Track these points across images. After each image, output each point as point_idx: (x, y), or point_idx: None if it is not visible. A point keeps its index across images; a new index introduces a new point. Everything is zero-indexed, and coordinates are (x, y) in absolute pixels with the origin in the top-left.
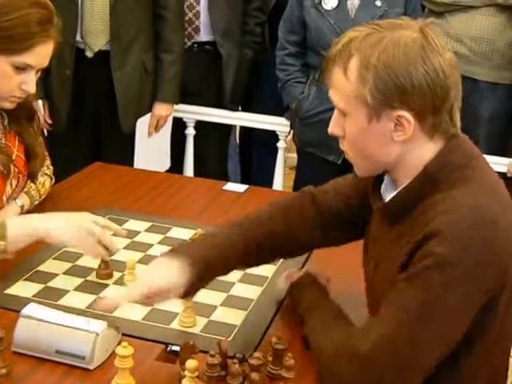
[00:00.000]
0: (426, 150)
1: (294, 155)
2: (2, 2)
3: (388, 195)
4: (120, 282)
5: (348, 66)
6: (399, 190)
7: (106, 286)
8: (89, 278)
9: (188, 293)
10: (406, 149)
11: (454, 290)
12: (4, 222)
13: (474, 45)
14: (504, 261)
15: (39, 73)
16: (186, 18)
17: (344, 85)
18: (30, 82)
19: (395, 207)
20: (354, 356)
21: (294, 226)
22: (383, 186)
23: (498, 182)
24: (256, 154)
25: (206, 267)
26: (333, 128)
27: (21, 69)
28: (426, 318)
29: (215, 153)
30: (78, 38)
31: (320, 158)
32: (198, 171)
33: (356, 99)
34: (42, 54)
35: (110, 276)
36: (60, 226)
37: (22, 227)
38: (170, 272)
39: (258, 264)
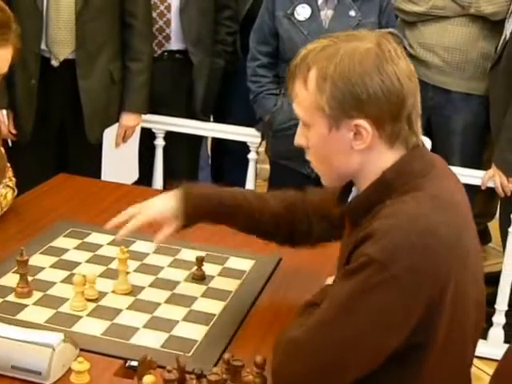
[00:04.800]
0: (386, 159)
1: (268, 166)
2: None
3: None
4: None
5: (307, 77)
6: (357, 194)
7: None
8: (48, 293)
9: (187, 223)
10: (366, 157)
11: (377, 292)
12: None
13: (446, 55)
14: (443, 271)
15: None
16: (157, 26)
17: (304, 96)
18: None
19: (352, 211)
20: (287, 342)
21: (292, 211)
22: (351, 196)
23: (453, 193)
24: (228, 166)
25: (202, 201)
26: (298, 139)
27: None
28: (349, 312)
29: (186, 164)
30: (43, 46)
31: (293, 170)
32: (168, 183)
33: (315, 109)
34: None
35: (28, 295)
36: None
37: None
38: (167, 201)
39: (249, 229)
